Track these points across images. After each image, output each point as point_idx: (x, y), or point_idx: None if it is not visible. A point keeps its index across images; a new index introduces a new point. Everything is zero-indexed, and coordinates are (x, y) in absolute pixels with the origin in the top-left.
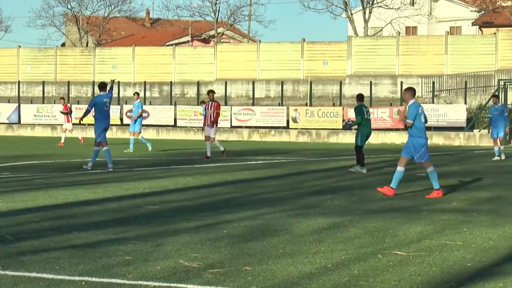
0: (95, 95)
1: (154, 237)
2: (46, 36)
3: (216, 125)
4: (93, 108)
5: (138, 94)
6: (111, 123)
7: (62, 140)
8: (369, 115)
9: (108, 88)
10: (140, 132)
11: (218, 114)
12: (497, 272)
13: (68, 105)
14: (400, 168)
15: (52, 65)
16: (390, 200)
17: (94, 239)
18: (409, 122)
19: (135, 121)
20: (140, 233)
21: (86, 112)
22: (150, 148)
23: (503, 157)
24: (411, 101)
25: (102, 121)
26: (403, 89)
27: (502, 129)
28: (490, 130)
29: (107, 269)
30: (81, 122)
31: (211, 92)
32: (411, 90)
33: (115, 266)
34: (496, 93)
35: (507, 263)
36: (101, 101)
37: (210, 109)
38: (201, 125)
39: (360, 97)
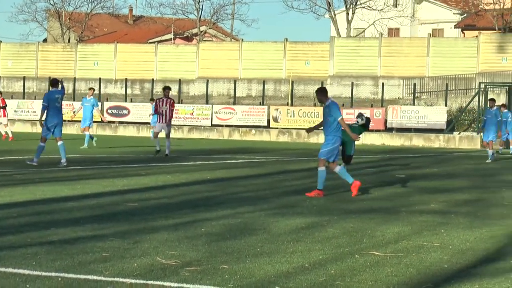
0: (46, 92)
1: (132, 234)
2: (28, 31)
3: (171, 123)
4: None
5: (93, 89)
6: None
7: (3, 133)
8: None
9: (60, 86)
10: (89, 128)
11: (173, 112)
12: (473, 274)
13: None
14: (321, 168)
15: (33, 60)
16: (368, 201)
17: (72, 236)
18: (341, 119)
19: (87, 117)
20: (118, 230)
21: (43, 109)
22: (93, 144)
23: (491, 159)
24: (328, 101)
25: (54, 117)
26: (316, 91)
27: (493, 133)
28: (482, 133)
29: (84, 265)
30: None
31: (167, 88)
32: (324, 90)
33: (92, 262)
34: (492, 97)
35: (483, 265)
36: (53, 97)
37: (165, 105)
38: (183, 123)
39: (359, 115)
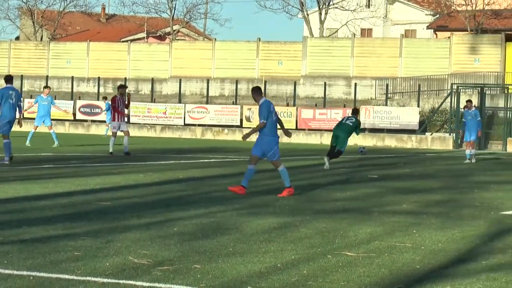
0: (0, 88)
1: (104, 234)
2: (0, 29)
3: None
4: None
5: (49, 88)
6: (65, 118)
7: None
8: (351, 122)
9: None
10: (51, 126)
11: (126, 108)
12: (445, 275)
13: None
14: (251, 167)
15: (5, 58)
16: (341, 201)
17: (44, 234)
18: (263, 123)
19: (44, 115)
20: (90, 229)
21: None
22: (54, 146)
23: (473, 160)
24: (261, 100)
25: (7, 113)
26: (251, 89)
27: (475, 133)
28: (464, 134)
29: (56, 264)
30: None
31: (122, 87)
32: (258, 89)
33: (64, 261)
34: (470, 98)
35: (455, 266)
36: (6, 93)
37: (122, 104)
38: (156, 122)
39: (354, 111)
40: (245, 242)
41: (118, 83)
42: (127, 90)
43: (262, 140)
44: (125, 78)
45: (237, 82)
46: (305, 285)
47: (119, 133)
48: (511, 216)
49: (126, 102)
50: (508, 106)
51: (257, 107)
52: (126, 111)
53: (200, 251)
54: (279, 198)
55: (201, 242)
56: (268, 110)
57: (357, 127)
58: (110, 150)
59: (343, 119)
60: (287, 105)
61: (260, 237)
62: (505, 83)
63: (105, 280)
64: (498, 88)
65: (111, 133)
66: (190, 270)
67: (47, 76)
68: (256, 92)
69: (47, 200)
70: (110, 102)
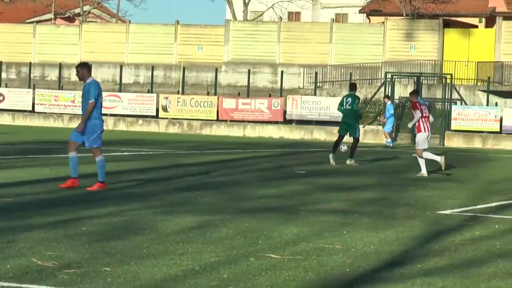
0: None
1: (6, 233)
2: None
3: None
4: None
5: None
6: None
7: None
8: (351, 105)
9: None
10: None
11: None
12: (377, 279)
13: None
14: (72, 154)
15: None
16: (265, 199)
17: None
18: (91, 102)
19: None
20: None
21: None
22: None
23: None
24: (89, 79)
25: None
26: (76, 67)
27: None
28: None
29: None
30: None
31: None
32: (86, 66)
33: None
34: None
35: (388, 269)
36: None
37: None
38: (64, 111)
39: (352, 86)
40: (161, 243)
41: (23, 68)
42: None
43: (87, 124)
44: (30, 63)
45: (153, 68)
46: None
47: None
48: (448, 216)
49: None
50: (446, 97)
51: (175, 95)
52: None
53: (111, 253)
54: (198, 195)
55: (112, 243)
56: (98, 90)
57: (353, 103)
58: None
59: (342, 102)
60: (208, 94)
61: (177, 237)
62: (443, 72)
63: (6, 284)
64: (435, 78)
65: None
66: (99, 273)
67: None
68: (86, 69)
69: None
70: None
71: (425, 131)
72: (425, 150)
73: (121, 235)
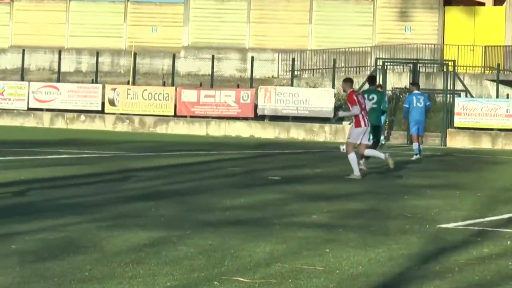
0: None
1: None
2: None
3: None
4: None
5: None
6: None
7: None
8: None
9: None
10: None
11: None
12: None
13: None
14: None
15: None
16: (232, 210)
17: None
18: None
19: None
20: None
21: None
22: None
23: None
24: None
25: None
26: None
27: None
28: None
29: None
30: None
31: None
32: None
33: None
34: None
35: None
36: None
37: None
38: None
39: (371, 80)
40: (106, 264)
41: None
42: None
43: None
44: None
45: (98, 54)
46: None
47: None
48: (451, 231)
49: None
50: (448, 88)
51: (124, 86)
52: None
53: (46, 276)
54: (152, 206)
55: (47, 264)
56: None
57: (381, 101)
58: None
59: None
60: (164, 84)
61: (126, 257)
62: (444, 58)
63: None
64: (435, 65)
65: None
66: None
67: None
68: None
69: None
70: None
71: (365, 125)
72: (368, 147)
73: (59, 255)
